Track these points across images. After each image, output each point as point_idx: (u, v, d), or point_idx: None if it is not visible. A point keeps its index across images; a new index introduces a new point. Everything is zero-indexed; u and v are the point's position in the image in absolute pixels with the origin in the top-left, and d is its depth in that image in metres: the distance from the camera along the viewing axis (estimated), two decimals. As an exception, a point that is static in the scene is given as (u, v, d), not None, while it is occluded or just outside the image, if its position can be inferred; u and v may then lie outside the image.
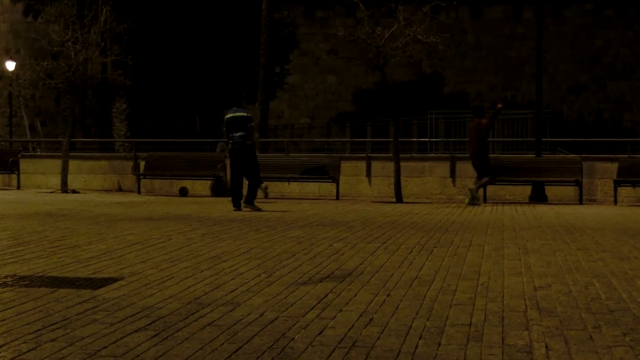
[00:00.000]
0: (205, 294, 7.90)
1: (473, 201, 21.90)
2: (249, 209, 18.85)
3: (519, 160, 26.01)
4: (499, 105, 22.99)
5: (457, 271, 9.42)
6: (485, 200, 23.67)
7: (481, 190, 23.03)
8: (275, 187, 26.71)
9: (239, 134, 19.09)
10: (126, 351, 5.75)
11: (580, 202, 23.22)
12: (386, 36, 22.87)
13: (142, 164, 27.78)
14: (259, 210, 18.80)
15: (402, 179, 24.04)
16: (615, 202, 23.31)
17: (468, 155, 24.16)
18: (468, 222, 16.31)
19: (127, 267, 9.51)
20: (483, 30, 60.06)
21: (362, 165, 26.60)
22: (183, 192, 26.36)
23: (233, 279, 8.79)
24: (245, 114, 19.26)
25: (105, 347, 5.84)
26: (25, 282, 8.44)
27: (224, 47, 48.32)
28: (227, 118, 19.36)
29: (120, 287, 8.24)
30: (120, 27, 29.93)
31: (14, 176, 29.75)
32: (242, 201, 19.11)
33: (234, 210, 18.70)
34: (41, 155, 32.80)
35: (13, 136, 53.31)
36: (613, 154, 25.64)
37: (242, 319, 6.77)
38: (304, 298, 7.72)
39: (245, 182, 19.48)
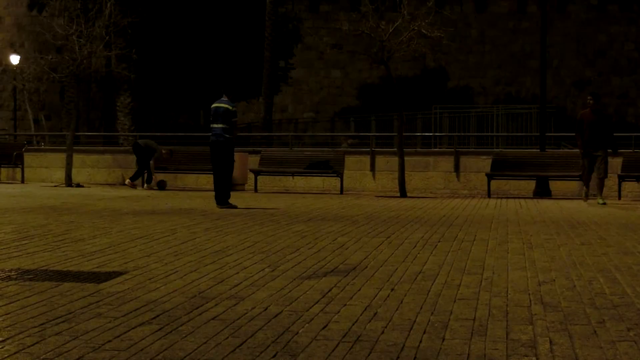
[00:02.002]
0: (210, 288, 7.91)
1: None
2: (224, 208, 17.82)
3: (523, 155, 25.99)
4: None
5: (461, 266, 9.42)
6: (489, 195, 23.67)
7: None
8: (279, 182, 26.74)
9: (218, 126, 18.15)
10: (130, 345, 5.75)
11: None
12: (390, 30, 22.85)
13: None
14: (234, 207, 17.82)
15: (406, 173, 24.03)
16: (620, 196, 23.29)
17: (472, 149, 23.97)
18: (472, 216, 16.31)
19: (132, 261, 9.52)
20: (487, 24, 60.02)
21: (366, 159, 26.60)
22: (161, 186, 26.35)
23: (237, 273, 8.79)
24: (230, 107, 18.20)
25: (109, 341, 5.85)
26: (30, 276, 8.45)
27: (229, 41, 48.31)
28: (211, 107, 18.48)
29: (124, 281, 8.24)
30: (124, 20, 29.93)
31: (18, 170, 29.78)
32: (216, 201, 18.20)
33: (219, 208, 17.81)
34: (45, 149, 32.83)
35: (17, 130, 53.30)
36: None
37: (246, 313, 6.78)
38: (308, 292, 7.72)
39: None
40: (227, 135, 18.22)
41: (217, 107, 18.34)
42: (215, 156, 18.39)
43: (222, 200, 18.16)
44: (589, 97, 21.53)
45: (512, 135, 37.36)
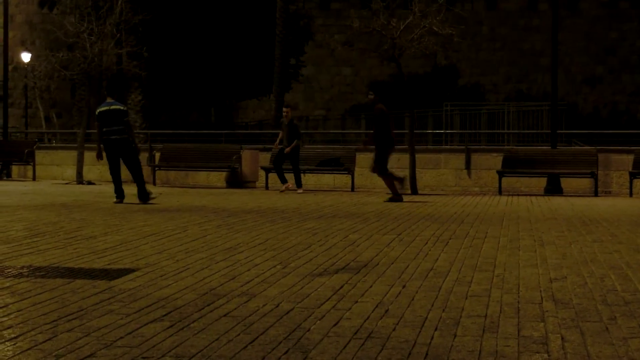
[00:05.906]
0: (221, 285, 7.91)
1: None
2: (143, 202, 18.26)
3: (535, 152, 25.97)
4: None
5: (473, 263, 9.41)
6: (500, 192, 23.62)
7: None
8: (290, 179, 26.70)
9: (115, 128, 18.30)
10: (142, 342, 5.76)
11: (596, 194, 23.16)
12: (401, 28, 22.83)
13: (157, 155, 27.82)
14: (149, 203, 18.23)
15: (417, 170, 24.01)
16: (631, 194, 23.24)
17: (483, 147, 23.86)
18: (483, 214, 16.29)
19: (143, 258, 9.53)
20: (498, 22, 59.93)
21: (377, 157, 26.52)
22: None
23: (248, 270, 8.79)
24: (122, 108, 18.55)
25: (121, 338, 5.86)
26: (41, 273, 8.47)
27: (240, 38, 48.33)
28: (100, 111, 18.50)
29: (135, 278, 8.25)
30: (135, 18, 29.98)
31: (30, 167, 29.84)
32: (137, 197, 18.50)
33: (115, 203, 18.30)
34: (56, 147, 32.90)
35: (28, 127, 53.39)
36: (628, 146, 25.54)
37: (257, 310, 6.78)
38: (319, 289, 7.72)
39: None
40: (125, 136, 18.48)
41: (109, 110, 18.41)
42: (118, 156, 18.75)
43: (144, 196, 18.56)
44: (370, 92, 19.92)
45: (523, 132, 37.30)
